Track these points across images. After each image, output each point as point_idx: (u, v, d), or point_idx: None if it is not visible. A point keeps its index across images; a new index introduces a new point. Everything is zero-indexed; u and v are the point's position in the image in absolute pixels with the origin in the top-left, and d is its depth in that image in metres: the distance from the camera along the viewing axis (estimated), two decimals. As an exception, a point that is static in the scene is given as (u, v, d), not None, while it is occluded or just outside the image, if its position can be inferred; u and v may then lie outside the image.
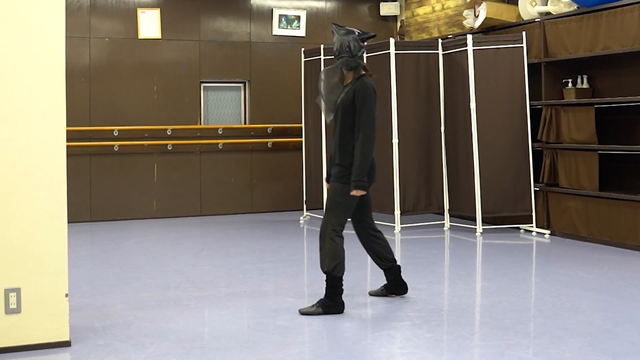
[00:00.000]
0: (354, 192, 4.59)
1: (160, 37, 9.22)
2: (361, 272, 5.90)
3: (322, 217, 4.88)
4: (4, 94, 3.85)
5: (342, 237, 4.65)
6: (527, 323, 4.42)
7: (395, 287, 5.03)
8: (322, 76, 4.90)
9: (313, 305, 4.63)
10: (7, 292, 3.87)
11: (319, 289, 5.16)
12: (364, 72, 4.74)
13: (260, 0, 9.74)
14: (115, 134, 9.02)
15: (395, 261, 5.02)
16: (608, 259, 6.35)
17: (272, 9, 9.78)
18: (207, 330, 4.35)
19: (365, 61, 4.79)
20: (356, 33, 4.77)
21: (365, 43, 4.82)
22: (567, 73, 7.68)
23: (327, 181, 4.87)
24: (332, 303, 4.62)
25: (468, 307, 4.80)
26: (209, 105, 9.71)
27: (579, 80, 7.56)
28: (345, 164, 4.64)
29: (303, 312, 4.60)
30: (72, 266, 5.96)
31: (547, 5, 7.87)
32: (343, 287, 4.70)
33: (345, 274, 5.68)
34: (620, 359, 3.73)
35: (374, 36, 4.91)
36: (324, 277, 4.71)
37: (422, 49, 8.23)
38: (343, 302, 4.67)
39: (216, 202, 9.47)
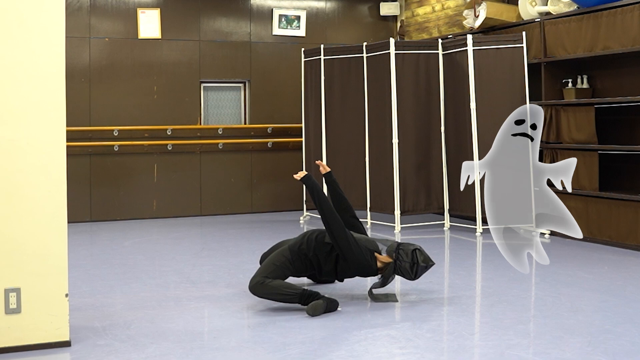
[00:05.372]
0: (300, 174, 4.86)
1: (160, 37, 9.22)
2: (361, 272, 5.90)
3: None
4: (4, 94, 3.85)
5: (266, 281, 4.71)
6: (527, 323, 4.42)
7: None
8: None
9: (312, 304, 4.61)
10: (7, 292, 3.87)
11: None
12: (379, 266, 4.85)
13: (260, 0, 9.74)
14: (115, 134, 9.03)
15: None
16: (608, 259, 6.35)
17: (272, 9, 9.78)
18: (207, 330, 4.35)
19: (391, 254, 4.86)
20: (419, 248, 4.83)
21: (409, 263, 4.79)
22: (567, 73, 7.68)
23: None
24: (325, 297, 4.64)
25: (468, 307, 4.80)
26: (209, 105, 9.71)
27: (579, 80, 7.56)
28: (311, 253, 4.84)
29: (310, 312, 4.56)
30: (72, 266, 5.95)
31: (547, 5, 7.87)
32: (314, 290, 4.72)
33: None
34: (620, 359, 3.73)
35: (418, 268, 4.82)
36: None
37: (422, 49, 8.23)
38: (333, 299, 4.69)
39: (216, 202, 9.48)
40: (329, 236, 4.75)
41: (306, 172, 4.86)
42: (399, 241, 4.90)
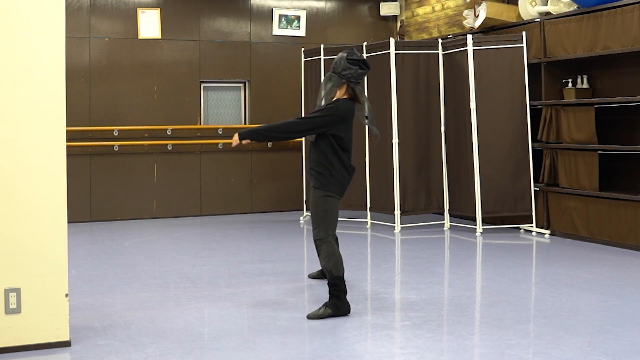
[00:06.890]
0: (235, 137, 4.68)
1: (160, 37, 9.22)
2: (361, 272, 5.91)
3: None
4: (4, 94, 3.85)
5: (332, 242, 4.70)
6: (527, 323, 4.42)
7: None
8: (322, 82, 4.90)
9: (320, 309, 4.58)
10: (7, 292, 3.87)
11: (319, 289, 5.17)
12: (347, 97, 4.76)
13: (260, 0, 9.74)
14: (115, 134, 9.03)
15: None
16: (608, 259, 6.36)
17: (272, 9, 9.78)
18: (207, 330, 4.35)
19: (357, 83, 4.79)
20: (346, 53, 4.75)
21: (358, 67, 4.72)
22: (567, 73, 7.68)
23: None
24: (339, 303, 4.60)
25: (468, 307, 4.80)
26: (209, 105, 9.71)
27: (579, 80, 7.56)
28: (320, 169, 4.72)
29: (311, 317, 4.55)
30: (72, 266, 5.97)
31: (547, 5, 7.87)
32: (346, 288, 4.70)
33: (345, 274, 5.71)
34: (620, 359, 3.73)
35: (363, 62, 4.77)
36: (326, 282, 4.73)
37: (422, 49, 8.23)
38: (349, 303, 4.66)
39: (216, 202, 9.48)
40: (304, 136, 4.77)
41: (236, 133, 4.71)
42: (330, 71, 4.80)
